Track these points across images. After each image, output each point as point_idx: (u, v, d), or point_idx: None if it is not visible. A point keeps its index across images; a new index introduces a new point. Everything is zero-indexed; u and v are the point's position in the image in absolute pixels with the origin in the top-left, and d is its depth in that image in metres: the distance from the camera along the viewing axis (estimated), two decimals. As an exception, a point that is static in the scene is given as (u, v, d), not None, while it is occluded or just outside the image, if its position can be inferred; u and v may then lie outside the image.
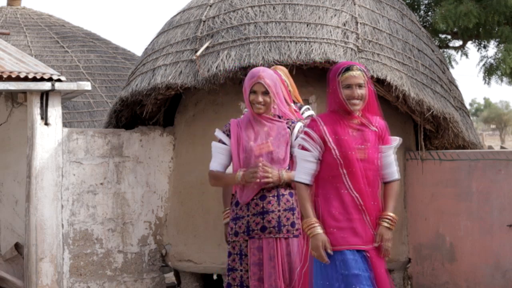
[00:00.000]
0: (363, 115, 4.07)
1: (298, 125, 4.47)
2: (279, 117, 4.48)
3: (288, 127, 4.44)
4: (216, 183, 4.54)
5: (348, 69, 4.01)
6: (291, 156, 4.46)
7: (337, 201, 3.97)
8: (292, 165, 4.49)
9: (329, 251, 3.91)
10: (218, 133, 4.51)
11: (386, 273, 4.03)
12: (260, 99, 4.37)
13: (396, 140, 4.14)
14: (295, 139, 4.42)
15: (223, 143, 4.47)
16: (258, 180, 4.28)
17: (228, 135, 4.46)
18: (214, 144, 4.51)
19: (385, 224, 3.99)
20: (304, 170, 4.04)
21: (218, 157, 4.48)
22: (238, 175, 4.34)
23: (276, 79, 4.46)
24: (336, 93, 4.02)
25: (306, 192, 4.02)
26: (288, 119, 4.48)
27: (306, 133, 4.06)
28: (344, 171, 3.95)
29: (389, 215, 4.01)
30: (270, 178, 4.32)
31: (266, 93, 4.37)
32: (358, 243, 3.95)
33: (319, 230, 3.93)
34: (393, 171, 4.11)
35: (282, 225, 4.36)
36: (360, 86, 4.00)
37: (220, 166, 4.47)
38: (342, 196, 3.96)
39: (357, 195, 3.95)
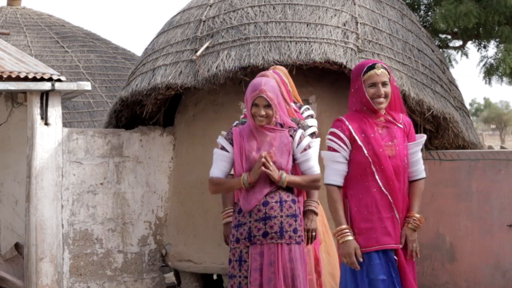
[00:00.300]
0: (388, 113, 4.04)
1: (299, 133, 4.44)
2: (281, 125, 4.45)
3: (291, 135, 4.42)
4: (217, 190, 4.52)
5: (371, 67, 3.98)
6: (294, 164, 4.45)
7: (368, 200, 3.94)
8: (294, 173, 4.48)
9: (360, 258, 3.89)
10: (221, 140, 4.48)
11: (412, 274, 3.98)
12: (263, 112, 4.34)
13: (422, 137, 4.09)
14: (296, 147, 4.40)
15: (226, 150, 4.44)
16: (262, 168, 4.28)
17: (231, 144, 4.44)
18: (216, 151, 4.49)
19: (410, 226, 3.96)
20: (334, 172, 4.01)
21: (219, 164, 4.45)
22: (244, 178, 4.33)
23: (278, 90, 4.42)
24: (361, 92, 4.00)
25: (338, 195, 3.99)
26: (290, 127, 4.46)
27: (332, 133, 4.03)
28: (374, 169, 3.92)
29: (414, 216, 3.98)
30: (272, 171, 4.30)
31: (268, 106, 4.34)
32: (389, 242, 3.92)
33: (350, 236, 3.91)
34: (420, 169, 4.07)
35: (285, 231, 4.33)
36: (384, 84, 3.98)
37: (222, 173, 4.45)
38: (372, 195, 3.93)
39: (388, 192, 3.91)
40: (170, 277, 8.32)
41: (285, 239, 4.33)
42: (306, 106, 5.60)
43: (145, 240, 7.54)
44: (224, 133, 4.56)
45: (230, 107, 7.13)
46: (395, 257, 3.93)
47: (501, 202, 6.42)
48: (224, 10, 7.31)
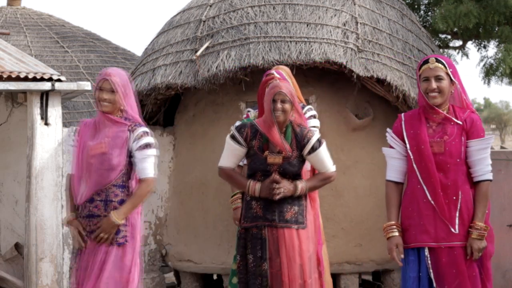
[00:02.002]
0: (453, 108, 3.97)
1: (140, 129, 4.30)
2: (126, 119, 4.36)
3: (128, 130, 4.29)
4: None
5: (426, 61, 3.94)
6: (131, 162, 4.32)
7: (411, 197, 3.93)
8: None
9: (401, 255, 3.88)
10: (69, 138, 4.50)
11: (467, 272, 3.86)
12: (105, 96, 4.27)
13: (487, 137, 3.96)
14: (132, 142, 4.27)
15: (74, 146, 4.40)
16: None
17: (79, 135, 4.38)
18: (69, 149, 4.49)
19: (473, 236, 3.85)
20: (390, 168, 4.02)
21: (72, 160, 4.43)
22: (66, 220, 4.32)
23: (127, 81, 4.37)
24: (418, 87, 3.98)
25: (393, 190, 4.00)
26: (133, 122, 4.34)
27: (389, 130, 4.06)
28: (416, 165, 3.90)
29: (476, 225, 3.86)
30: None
31: (112, 91, 4.27)
32: (425, 240, 3.86)
33: (394, 233, 3.91)
34: (481, 170, 3.91)
35: None
36: (438, 78, 3.89)
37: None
38: (415, 192, 3.91)
39: (428, 190, 3.86)
40: (170, 277, 8.31)
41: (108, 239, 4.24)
42: (309, 106, 5.60)
43: (145, 240, 7.54)
44: (73, 130, 4.54)
45: (230, 107, 7.13)
46: (427, 255, 3.87)
47: (501, 202, 6.43)
48: (224, 10, 7.31)
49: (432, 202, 3.87)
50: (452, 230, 3.86)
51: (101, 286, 4.17)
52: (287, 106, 4.37)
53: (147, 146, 4.27)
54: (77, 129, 4.43)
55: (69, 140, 4.47)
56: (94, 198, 4.24)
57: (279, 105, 4.30)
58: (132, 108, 4.37)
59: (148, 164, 4.26)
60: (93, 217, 4.24)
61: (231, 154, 4.46)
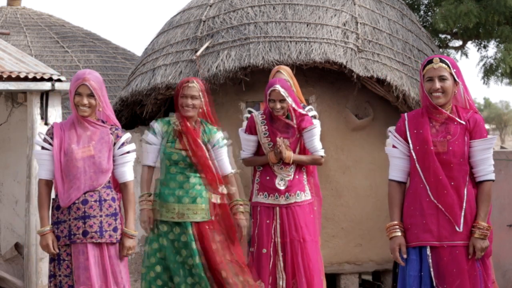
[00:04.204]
0: (456, 108, 3.97)
1: (124, 136, 4.41)
2: (103, 121, 4.43)
3: (111, 133, 4.39)
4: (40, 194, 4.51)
5: (430, 61, 3.93)
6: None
7: (414, 197, 3.92)
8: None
9: (404, 255, 3.88)
10: (38, 141, 4.45)
11: (468, 271, 3.86)
12: (85, 101, 4.29)
13: (490, 137, 3.95)
14: (118, 148, 4.38)
15: (46, 149, 4.40)
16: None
17: (52, 138, 4.38)
18: (37, 152, 4.46)
19: (475, 235, 3.84)
20: (393, 167, 4.02)
21: (45, 164, 4.44)
22: (42, 231, 4.39)
23: (102, 82, 4.39)
24: (422, 87, 3.97)
25: (395, 190, 4.00)
26: (112, 125, 4.42)
27: (392, 130, 4.06)
28: (419, 165, 3.90)
29: (479, 225, 3.85)
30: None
31: (91, 95, 4.31)
32: (427, 239, 3.86)
33: (397, 233, 3.91)
34: (484, 170, 3.91)
35: (104, 230, 4.33)
36: (442, 78, 3.89)
37: (50, 173, 4.45)
38: (418, 191, 3.90)
39: (430, 190, 3.86)
40: (170, 277, 8.29)
41: (105, 238, 4.33)
42: (310, 106, 5.61)
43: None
44: (42, 134, 4.49)
45: (230, 107, 7.13)
46: (429, 253, 3.87)
47: (501, 202, 6.42)
48: (224, 10, 7.31)
49: (435, 201, 3.87)
50: (457, 228, 3.86)
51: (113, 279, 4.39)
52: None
53: (129, 151, 4.43)
54: (50, 132, 4.41)
55: (38, 144, 4.45)
56: (88, 200, 4.31)
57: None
58: (109, 108, 4.45)
59: (127, 168, 4.43)
60: (88, 218, 4.31)
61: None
